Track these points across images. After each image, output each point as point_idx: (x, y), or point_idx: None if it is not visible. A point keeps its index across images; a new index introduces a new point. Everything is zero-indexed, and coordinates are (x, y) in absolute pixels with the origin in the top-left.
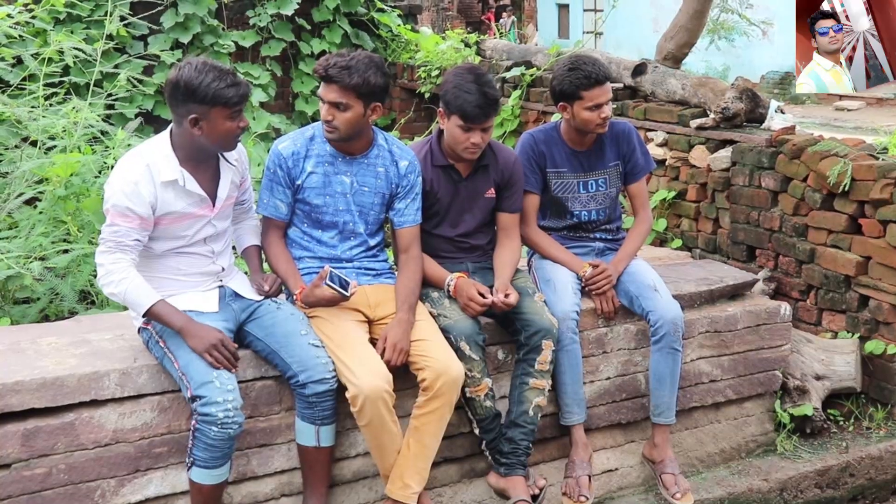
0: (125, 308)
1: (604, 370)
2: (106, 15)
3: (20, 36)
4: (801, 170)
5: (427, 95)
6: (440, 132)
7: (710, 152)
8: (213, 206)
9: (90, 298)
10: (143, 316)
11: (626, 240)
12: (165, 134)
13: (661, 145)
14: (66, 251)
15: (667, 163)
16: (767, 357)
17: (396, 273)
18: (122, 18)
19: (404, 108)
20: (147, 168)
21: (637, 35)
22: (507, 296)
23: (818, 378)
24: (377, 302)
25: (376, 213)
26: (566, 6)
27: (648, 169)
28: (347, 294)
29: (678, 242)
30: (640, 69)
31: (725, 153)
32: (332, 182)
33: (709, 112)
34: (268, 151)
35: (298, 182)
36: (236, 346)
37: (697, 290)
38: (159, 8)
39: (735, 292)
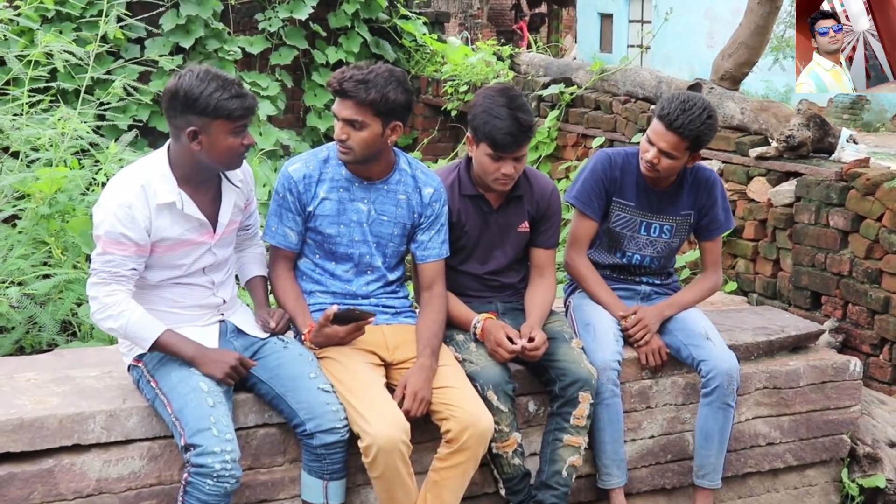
0: (112, 341)
1: (647, 427)
2: (99, 14)
3: (3, 35)
4: (875, 207)
5: (454, 113)
6: (469, 158)
7: (771, 185)
8: (214, 231)
9: (71, 329)
10: (150, 350)
11: (685, 289)
12: (162, 151)
13: None
14: (47, 276)
15: None
16: (834, 419)
17: (418, 312)
18: (119, 19)
19: (428, 126)
20: (142, 189)
21: (689, 50)
22: (531, 339)
23: (892, 445)
24: (396, 344)
25: (396, 245)
26: (609, 16)
27: (728, 227)
28: (368, 314)
29: (733, 286)
30: (693, 90)
31: (789, 187)
32: (347, 210)
33: (771, 140)
34: (275, 171)
35: (310, 209)
36: (256, 363)
37: (755, 340)
38: (160, 10)
39: (797, 344)
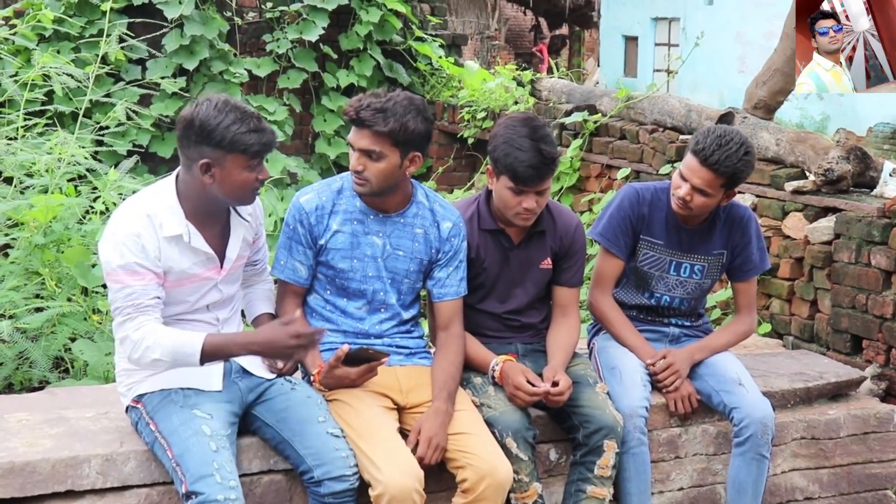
0: (108, 380)
1: (676, 479)
2: (99, 34)
3: None
4: None
5: (471, 141)
6: (489, 191)
7: (808, 221)
8: (221, 267)
9: (64, 366)
10: (202, 363)
11: (717, 332)
12: (169, 181)
13: None
14: (39, 309)
15: None
16: (877, 473)
17: (433, 353)
18: (121, 40)
19: (443, 154)
20: (149, 219)
21: (718, 75)
22: (555, 383)
23: None
24: (410, 387)
25: (411, 281)
26: (634, 39)
27: (763, 268)
28: (381, 354)
29: (767, 327)
30: (725, 119)
31: (827, 223)
32: (360, 243)
33: (808, 173)
34: (281, 200)
35: (322, 242)
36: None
37: (791, 387)
38: (163, 31)
39: (837, 391)
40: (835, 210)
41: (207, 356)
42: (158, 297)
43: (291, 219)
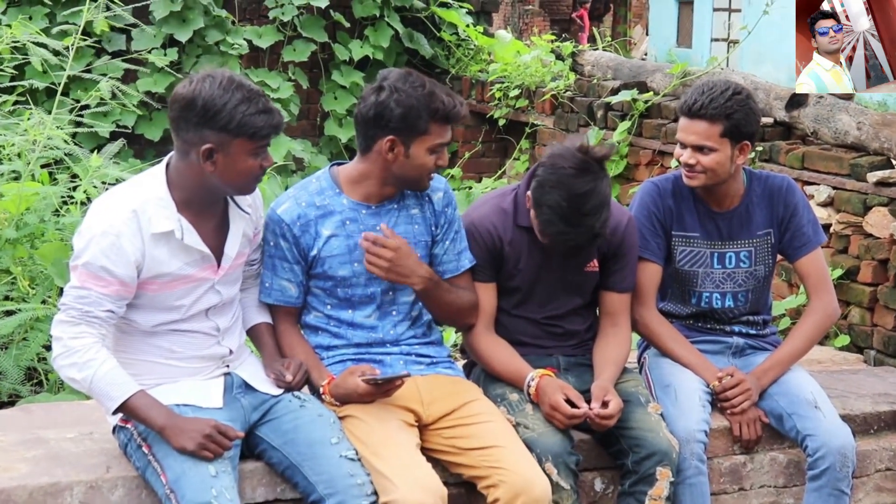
0: (88, 395)
1: None
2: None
3: None
4: None
5: (502, 122)
6: (528, 182)
7: (894, 217)
8: (218, 266)
9: (37, 378)
10: (114, 413)
11: (788, 338)
12: (159, 169)
13: (824, 205)
14: (10, 313)
15: (832, 229)
16: None
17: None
18: (106, 8)
19: (470, 137)
20: (134, 215)
21: (788, 47)
22: (605, 404)
23: None
24: (432, 398)
25: None
26: (689, 4)
27: (818, 241)
28: (395, 378)
29: (845, 340)
30: (798, 100)
31: None
32: (358, 244)
33: (894, 162)
34: (285, 189)
35: (314, 252)
36: (242, 434)
37: (875, 409)
38: None
39: None
40: None
41: (124, 409)
42: (112, 312)
43: (271, 235)
